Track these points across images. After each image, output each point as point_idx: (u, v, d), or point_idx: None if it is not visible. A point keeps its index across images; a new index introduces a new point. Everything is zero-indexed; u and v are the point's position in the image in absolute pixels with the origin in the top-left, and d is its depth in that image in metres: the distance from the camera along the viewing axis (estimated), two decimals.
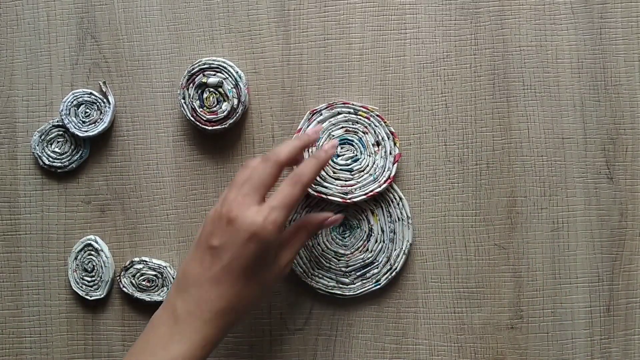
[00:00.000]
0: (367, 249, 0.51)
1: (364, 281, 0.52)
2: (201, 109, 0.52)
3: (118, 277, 0.53)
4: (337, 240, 0.52)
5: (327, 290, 0.52)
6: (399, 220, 0.51)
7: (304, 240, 0.47)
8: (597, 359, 0.51)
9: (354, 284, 0.52)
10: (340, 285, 0.52)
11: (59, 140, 0.54)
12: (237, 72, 0.52)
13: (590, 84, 0.52)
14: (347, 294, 0.52)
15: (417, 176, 0.52)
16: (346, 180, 0.51)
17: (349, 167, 0.51)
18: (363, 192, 0.50)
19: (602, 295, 0.52)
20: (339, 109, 0.51)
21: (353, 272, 0.51)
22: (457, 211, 0.52)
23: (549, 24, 0.52)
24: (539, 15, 0.52)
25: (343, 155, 0.51)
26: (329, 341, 0.53)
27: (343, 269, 0.52)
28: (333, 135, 0.51)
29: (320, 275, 0.52)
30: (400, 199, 0.51)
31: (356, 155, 0.51)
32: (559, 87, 0.52)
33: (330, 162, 0.51)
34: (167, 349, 0.42)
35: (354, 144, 0.51)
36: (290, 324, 0.53)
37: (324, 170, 0.51)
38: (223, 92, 0.52)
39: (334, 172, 0.51)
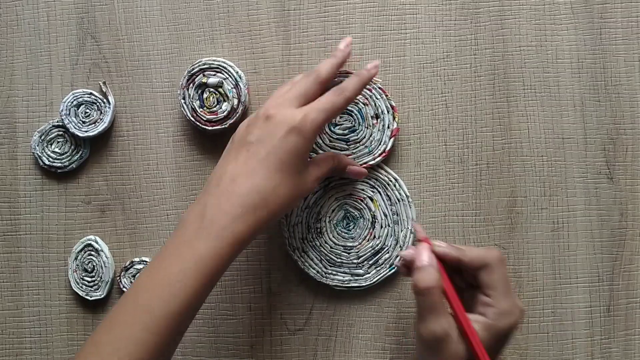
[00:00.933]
0: (374, 236, 0.51)
1: (378, 268, 0.52)
2: (201, 109, 0.52)
3: (118, 278, 0.53)
4: (343, 234, 0.52)
5: (344, 285, 0.52)
6: (399, 201, 0.51)
7: (330, 165, 0.47)
8: (597, 359, 0.51)
9: (369, 273, 0.52)
10: (356, 278, 0.52)
11: (59, 140, 0.54)
12: (237, 72, 0.52)
13: (590, 84, 0.52)
14: (365, 284, 0.52)
15: (417, 176, 0.52)
16: (341, 150, 0.51)
17: (346, 137, 0.51)
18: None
19: (602, 295, 0.52)
20: (342, 78, 0.51)
21: (365, 262, 0.52)
22: (457, 211, 0.52)
23: (549, 24, 0.52)
24: (539, 15, 0.52)
25: (341, 124, 0.51)
26: (329, 341, 0.53)
27: (355, 261, 0.52)
28: None
29: (334, 273, 0.52)
30: (396, 180, 0.51)
31: (354, 126, 0.51)
32: (559, 87, 0.52)
33: (326, 130, 0.51)
34: (193, 247, 0.41)
35: (353, 114, 0.51)
36: (290, 324, 0.53)
37: (319, 138, 0.51)
38: (223, 92, 0.52)
39: (330, 141, 0.51)
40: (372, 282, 0.52)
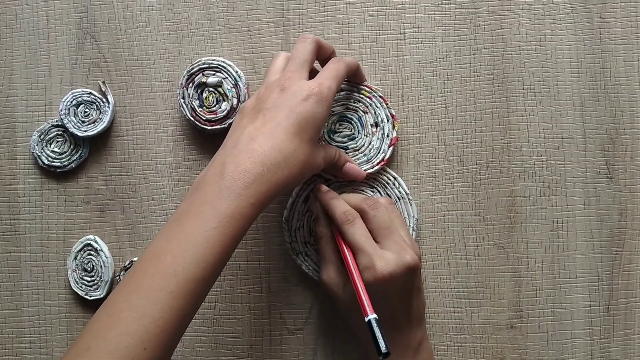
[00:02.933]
0: None
1: None
2: (200, 109, 0.52)
3: (118, 277, 0.53)
4: None
5: None
6: (399, 199, 0.51)
7: (334, 152, 0.48)
8: (597, 359, 0.51)
9: None
10: None
11: (58, 140, 0.54)
12: (236, 72, 0.52)
13: (590, 83, 0.52)
14: None
15: (417, 176, 0.52)
16: None
17: (345, 144, 0.51)
18: None
19: (601, 295, 0.52)
20: (341, 86, 0.51)
21: None
22: (457, 211, 0.52)
23: (548, 24, 0.52)
24: (538, 15, 0.52)
25: (340, 132, 0.51)
26: (329, 341, 0.53)
27: None
28: (333, 111, 0.51)
29: None
30: (395, 178, 0.51)
31: (353, 134, 0.51)
32: (559, 87, 0.52)
33: (325, 137, 0.51)
34: (215, 207, 0.39)
35: (352, 122, 0.51)
36: (290, 323, 0.53)
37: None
38: (222, 92, 0.52)
39: None
40: None
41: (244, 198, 0.40)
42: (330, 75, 0.45)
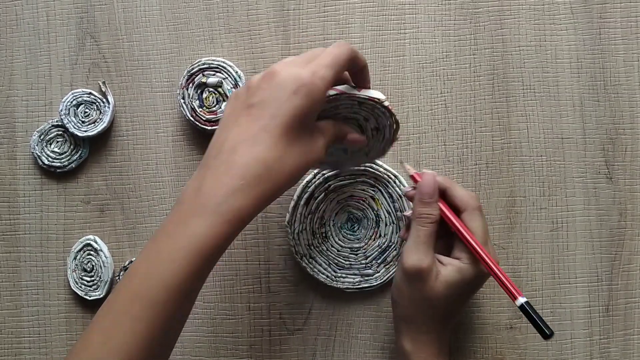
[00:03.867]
0: (380, 235, 0.51)
1: (387, 266, 0.51)
2: (200, 109, 0.52)
3: (117, 277, 0.53)
4: (349, 236, 0.52)
5: (355, 287, 0.52)
6: (401, 197, 0.51)
7: (333, 131, 0.43)
8: (596, 359, 0.51)
9: (378, 272, 0.51)
10: (366, 278, 0.52)
11: (58, 140, 0.54)
12: (236, 72, 0.52)
13: (590, 84, 0.52)
14: (375, 284, 0.51)
15: None
16: (339, 159, 0.50)
17: (345, 145, 0.50)
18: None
19: (601, 295, 0.52)
20: (341, 102, 0.45)
21: (374, 262, 0.51)
22: None
23: (548, 24, 0.52)
24: (538, 15, 0.52)
25: None
26: (329, 341, 0.53)
27: (363, 261, 0.52)
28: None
29: (344, 276, 0.52)
30: (396, 177, 0.51)
31: None
32: (558, 87, 0.52)
33: None
34: (187, 225, 0.36)
35: (352, 126, 0.50)
36: (290, 323, 0.53)
37: None
38: (222, 92, 0.52)
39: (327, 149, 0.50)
40: (382, 280, 0.51)
41: (219, 215, 0.37)
42: (325, 61, 0.39)
